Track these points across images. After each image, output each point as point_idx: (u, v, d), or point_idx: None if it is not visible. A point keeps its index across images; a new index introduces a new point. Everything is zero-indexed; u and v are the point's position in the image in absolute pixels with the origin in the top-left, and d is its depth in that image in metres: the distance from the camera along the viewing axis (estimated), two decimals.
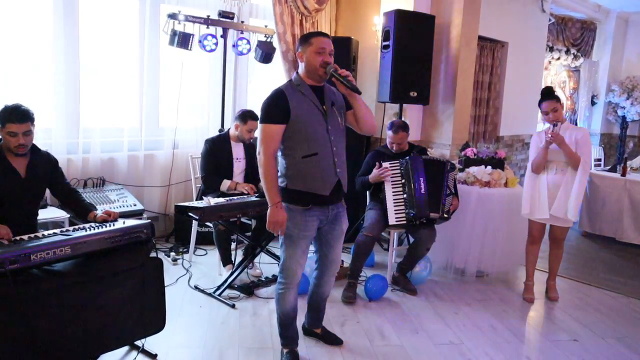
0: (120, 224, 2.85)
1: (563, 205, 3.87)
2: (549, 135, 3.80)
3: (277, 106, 2.69)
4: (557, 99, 3.95)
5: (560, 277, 4.49)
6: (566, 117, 4.30)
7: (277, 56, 5.47)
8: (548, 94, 3.96)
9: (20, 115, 2.81)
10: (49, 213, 3.98)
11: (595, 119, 9.77)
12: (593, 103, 9.65)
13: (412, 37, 4.81)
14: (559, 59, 8.80)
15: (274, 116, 2.68)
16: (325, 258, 3.02)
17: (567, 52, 8.80)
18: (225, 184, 4.19)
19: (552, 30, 8.41)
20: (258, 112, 2.88)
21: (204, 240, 4.93)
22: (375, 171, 4.10)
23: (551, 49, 8.49)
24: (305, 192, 2.74)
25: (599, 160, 8.91)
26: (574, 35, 8.95)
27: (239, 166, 4.42)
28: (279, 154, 2.79)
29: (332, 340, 3.28)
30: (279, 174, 2.80)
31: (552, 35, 8.45)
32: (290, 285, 2.90)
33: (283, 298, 2.91)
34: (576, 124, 9.16)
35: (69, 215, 3.98)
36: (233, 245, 4.45)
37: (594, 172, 6.21)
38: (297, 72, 2.81)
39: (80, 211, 3.10)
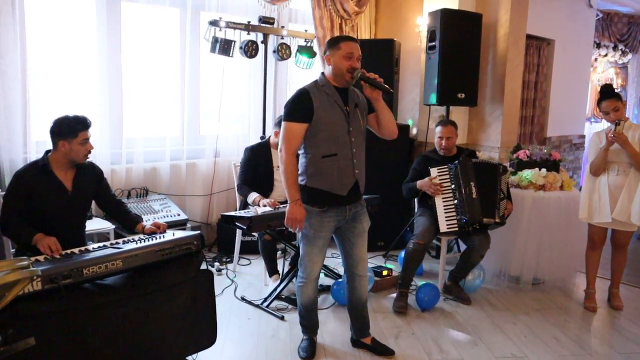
0: (169, 235, 2.78)
1: (626, 209, 3.65)
2: (612, 135, 3.59)
3: (300, 105, 2.73)
4: (618, 96, 3.73)
5: (622, 284, 4.23)
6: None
7: (317, 61, 5.38)
8: (608, 92, 3.74)
9: (86, 121, 2.86)
10: (95, 224, 3.95)
11: None
12: None
13: (459, 37, 4.66)
14: (606, 55, 8.48)
15: (297, 115, 2.72)
16: (350, 258, 3.02)
17: (615, 47, 8.48)
18: (251, 197, 3.99)
19: (597, 26, 8.10)
20: None
21: (247, 249, 4.83)
22: (427, 180, 3.94)
23: (598, 45, 8.18)
24: (323, 191, 2.79)
25: None
26: (621, 31, 8.62)
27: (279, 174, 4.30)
28: (301, 152, 2.83)
29: (382, 350, 3.16)
30: (300, 171, 2.85)
31: (598, 30, 8.15)
32: (308, 280, 3.00)
33: (302, 291, 3.03)
34: None
35: (114, 227, 3.93)
36: (278, 255, 4.35)
37: None
38: (323, 73, 2.85)
39: (127, 223, 3.06)
